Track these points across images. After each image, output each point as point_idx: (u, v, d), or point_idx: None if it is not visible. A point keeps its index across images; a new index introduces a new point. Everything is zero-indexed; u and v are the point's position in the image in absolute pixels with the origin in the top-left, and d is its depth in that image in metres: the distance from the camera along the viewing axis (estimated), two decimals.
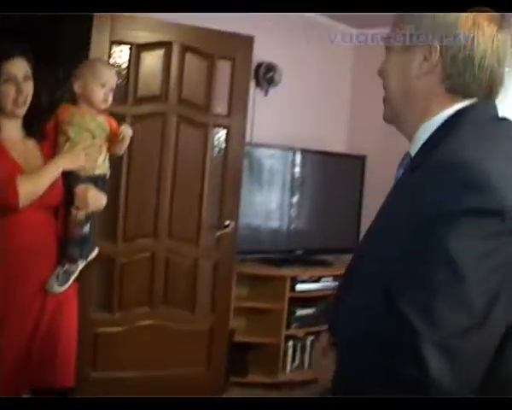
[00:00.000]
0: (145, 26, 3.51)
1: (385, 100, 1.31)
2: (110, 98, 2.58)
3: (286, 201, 4.49)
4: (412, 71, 1.21)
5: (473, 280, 0.99)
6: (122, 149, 2.64)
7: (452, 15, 1.15)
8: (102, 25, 3.38)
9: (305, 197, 4.59)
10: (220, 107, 3.75)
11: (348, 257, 4.72)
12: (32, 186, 2.29)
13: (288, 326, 4.21)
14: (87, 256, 2.54)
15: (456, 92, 1.18)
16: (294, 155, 4.49)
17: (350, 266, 1.34)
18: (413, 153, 1.23)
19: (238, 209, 3.85)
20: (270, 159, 4.38)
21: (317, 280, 4.33)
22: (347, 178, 4.76)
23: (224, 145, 3.78)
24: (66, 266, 2.44)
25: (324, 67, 4.88)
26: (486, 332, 1.02)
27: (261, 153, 4.32)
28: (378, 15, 4.44)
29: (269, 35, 4.28)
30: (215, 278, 3.82)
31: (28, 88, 2.36)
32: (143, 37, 3.50)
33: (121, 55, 3.49)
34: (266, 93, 4.45)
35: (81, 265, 2.51)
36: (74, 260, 2.47)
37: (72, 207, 2.45)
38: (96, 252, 2.60)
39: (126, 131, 2.56)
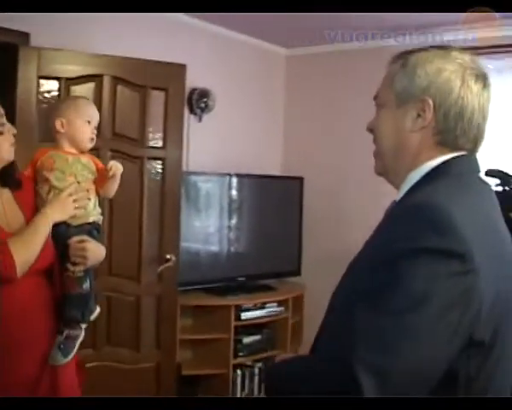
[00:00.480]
0: (73, 59, 3.40)
1: (376, 155, 1.35)
2: (95, 137, 2.31)
3: (225, 228, 4.44)
4: (406, 127, 1.25)
5: (431, 312, 1.03)
6: (113, 189, 2.34)
7: (444, 74, 1.22)
8: (29, 59, 3.26)
9: (245, 223, 4.55)
10: (155, 138, 3.67)
11: (291, 280, 4.72)
12: (27, 251, 1.94)
13: (236, 355, 4.15)
14: (89, 318, 2.20)
15: (445, 145, 1.24)
16: (231, 180, 4.45)
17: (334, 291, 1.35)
18: (398, 200, 1.28)
19: (179, 242, 3.77)
20: (206, 186, 4.33)
21: (262, 307, 4.30)
22: (286, 200, 4.75)
23: (160, 177, 3.69)
24: (67, 332, 2.12)
25: (257, 90, 4.89)
26: (435, 361, 1.06)
27: (198, 180, 4.26)
28: (307, 35, 4.52)
29: (201, 60, 4.27)
30: (159, 313, 3.71)
31: None
32: (72, 70, 3.39)
33: (50, 89, 3.36)
34: (200, 119, 4.40)
35: (84, 328, 2.19)
36: (75, 324, 2.14)
37: (67, 263, 2.13)
38: (97, 311, 2.25)
39: (116, 166, 2.27)
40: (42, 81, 3.32)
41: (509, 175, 3.03)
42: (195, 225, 4.22)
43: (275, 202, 4.68)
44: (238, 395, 4.20)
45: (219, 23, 4.36)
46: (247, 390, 4.27)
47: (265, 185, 4.65)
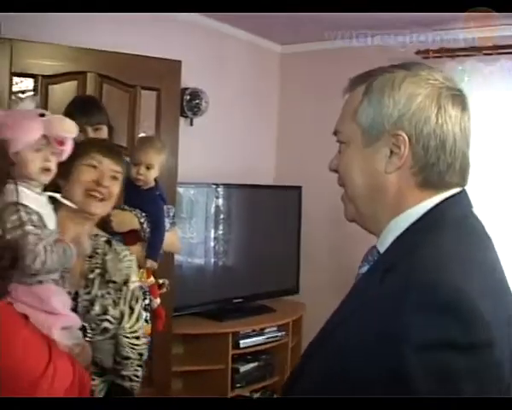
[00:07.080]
0: (52, 53, 2.95)
1: (346, 199, 1.17)
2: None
3: (216, 245, 3.98)
4: (378, 168, 1.08)
5: None
6: None
7: (416, 101, 1.04)
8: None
9: (237, 238, 4.10)
10: None
11: (289, 299, 4.17)
12: None
13: (233, 386, 3.72)
14: None
15: (429, 185, 1.07)
16: (217, 191, 3.99)
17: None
18: (382, 249, 1.10)
19: (173, 264, 3.31)
20: (197, 198, 3.86)
21: (261, 332, 3.87)
22: (282, 212, 4.34)
23: None
24: None
25: (250, 91, 4.45)
26: None
27: (185, 192, 3.75)
28: (302, 31, 4.12)
29: (192, 56, 3.78)
30: (151, 348, 3.24)
31: None
32: (50, 66, 2.91)
33: (25, 88, 2.88)
34: (191, 123, 3.94)
35: None
36: None
37: None
38: None
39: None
40: (15, 79, 2.84)
41: None
42: (187, 245, 3.75)
43: (270, 214, 4.25)
44: None
45: (212, 16, 3.91)
46: None
47: (259, 196, 4.22)
